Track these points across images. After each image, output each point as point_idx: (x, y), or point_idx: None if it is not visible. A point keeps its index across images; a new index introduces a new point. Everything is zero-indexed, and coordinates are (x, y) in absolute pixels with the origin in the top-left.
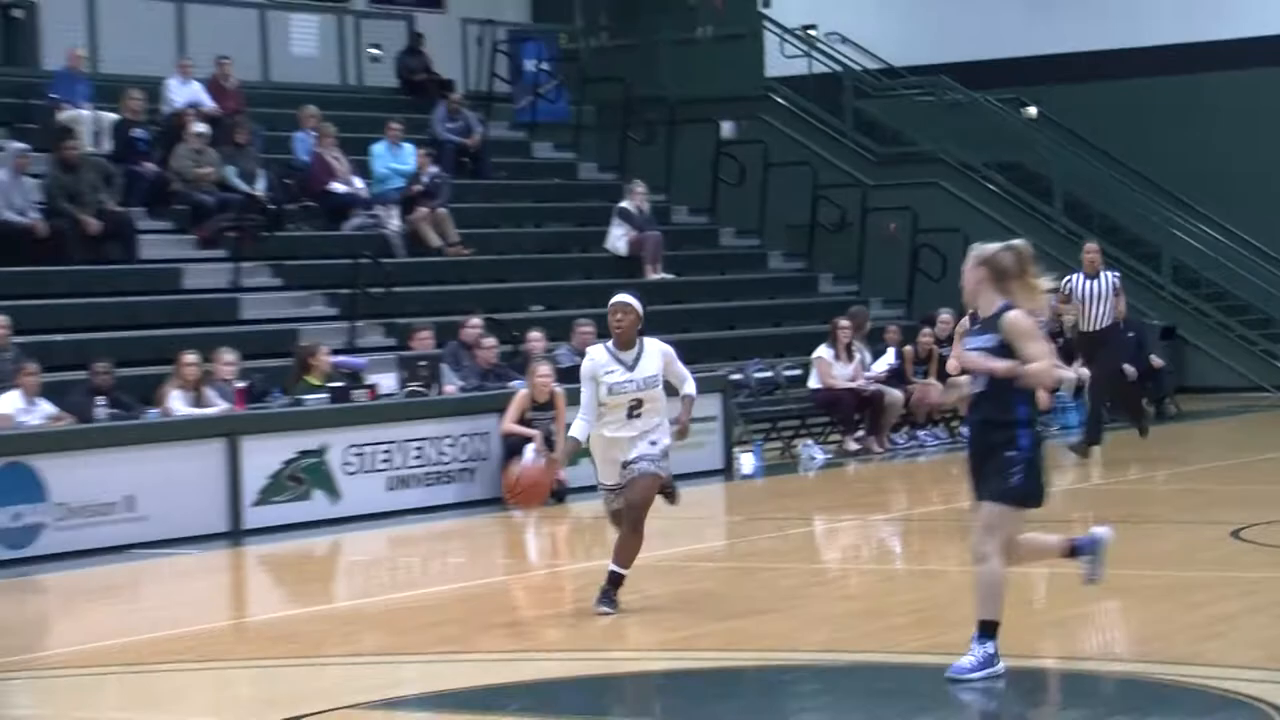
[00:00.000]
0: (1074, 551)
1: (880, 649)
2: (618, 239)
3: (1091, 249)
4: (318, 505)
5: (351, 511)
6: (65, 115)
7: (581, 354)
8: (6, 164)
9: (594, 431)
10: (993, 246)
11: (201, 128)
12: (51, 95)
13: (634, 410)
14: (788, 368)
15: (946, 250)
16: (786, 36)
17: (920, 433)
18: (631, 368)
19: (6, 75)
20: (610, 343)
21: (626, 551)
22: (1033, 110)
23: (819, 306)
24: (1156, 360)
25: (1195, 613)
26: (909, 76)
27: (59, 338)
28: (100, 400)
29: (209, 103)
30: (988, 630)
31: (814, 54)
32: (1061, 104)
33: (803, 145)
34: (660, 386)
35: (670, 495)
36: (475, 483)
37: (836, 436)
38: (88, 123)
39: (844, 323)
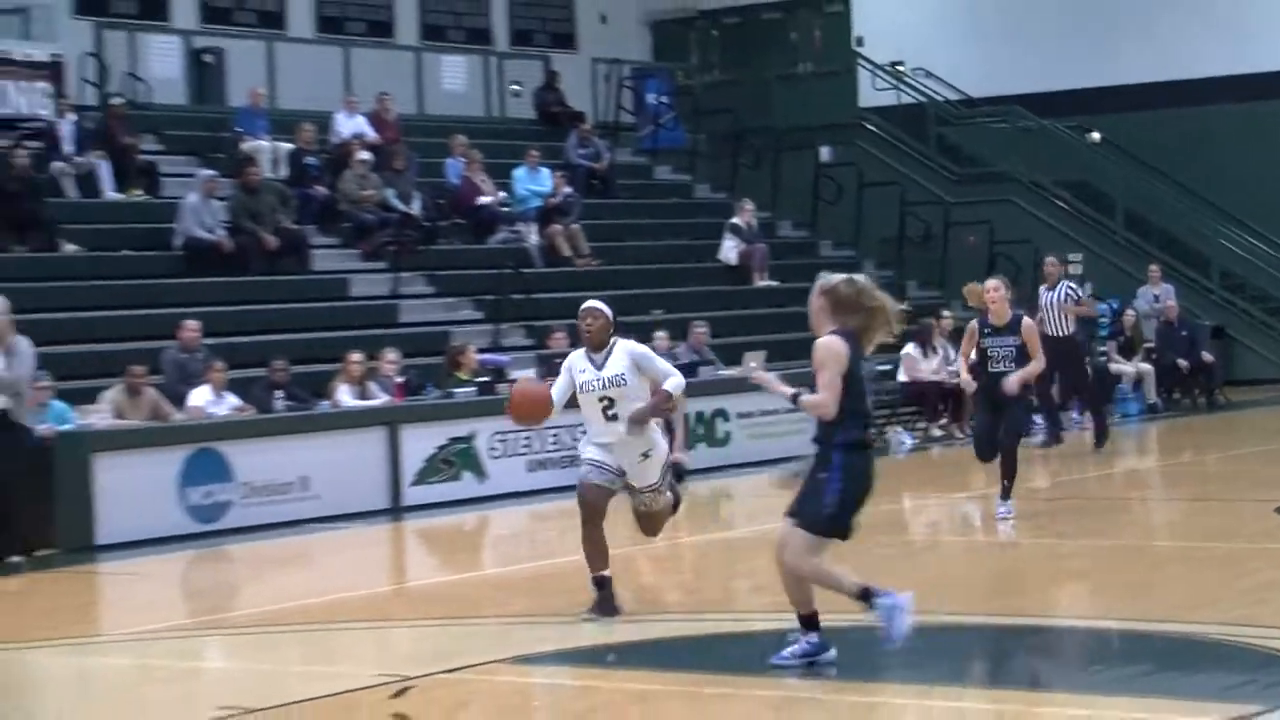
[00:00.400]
0: (866, 596)
1: (964, 611)
2: (729, 250)
3: (1050, 262)
4: (467, 485)
5: (496, 491)
6: (247, 146)
7: (698, 352)
8: (197, 189)
9: (585, 445)
10: (836, 278)
11: (365, 155)
12: (236, 129)
13: (608, 410)
14: (880, 363)
15: (1020, 260)
16: (877, 72)
17: None
18: (599, 367)
19: (198, 111)
20: (584, 349)
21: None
22: (1096, 135)
23: (907, 310)
24: (1207, 356)
25: (1244, 580)
26: (985, 106)
27: (242, 339)
28: (278, 394)
29: (371, 133)
30: (809, 622)
31: (901, 86)
32: (1122, 130)
33: (892, 167)
34: (628, 385)
35: (675, 508)
36: None
37: (923, 424)
38: (266, 152)
39: (931, 322)
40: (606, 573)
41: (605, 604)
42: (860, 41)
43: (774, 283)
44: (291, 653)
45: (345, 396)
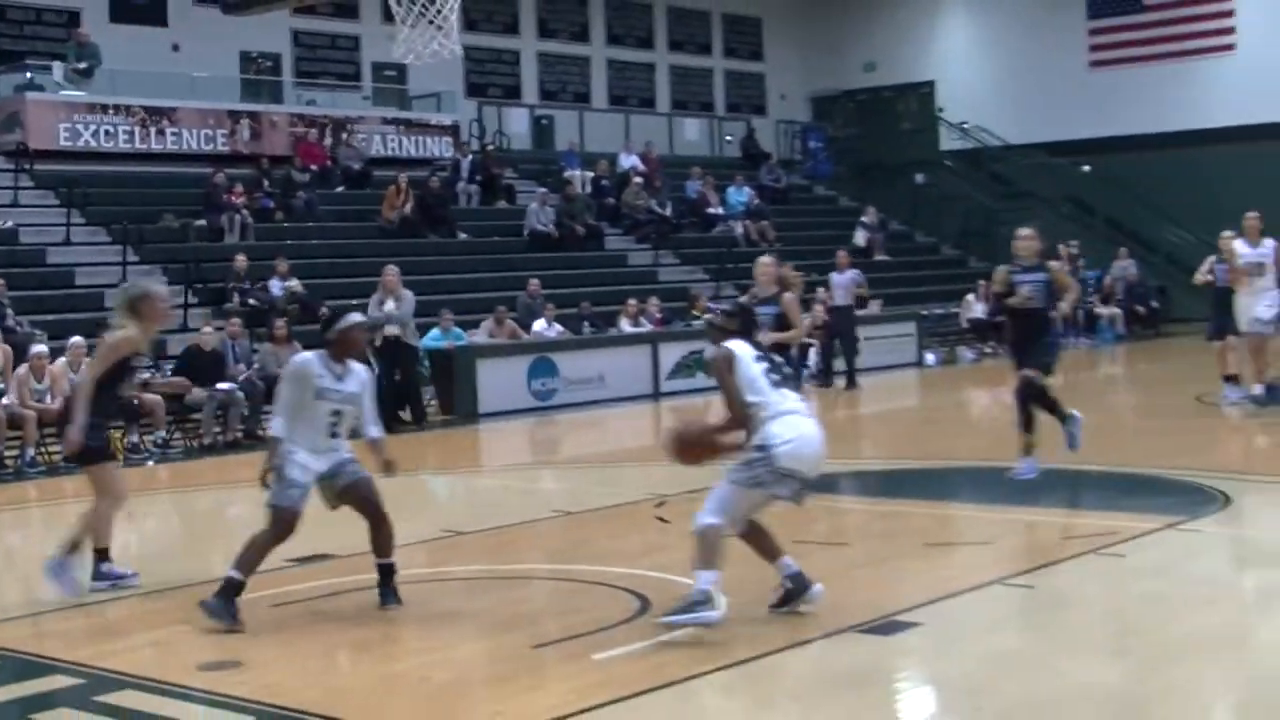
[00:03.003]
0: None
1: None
2: (859, 237)
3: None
4: (699, 380)
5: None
6: (567, 174)
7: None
8: (536, 200)
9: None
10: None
11: (638, 179)
12: (560, 164)
13: (334, 425)
14: (953, 307)
15: (1053, 241)
16: (951, 127)
17: None
18: (340, 379)
19: (537, 153)
20: (325, 355)
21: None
22: (1086, 168)
23: (968, 274)
24: (1154, 304)
25: (1176, 439)
26: (1018, 148)
27: (564, 291)
28: (586, 324)
29: (641, 166)
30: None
31: (966, 137)
32: (1104, 163)
33: (960, 188)
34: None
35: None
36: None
37: (978, 344)
38: (577, 178)
39: (983, 283)
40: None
41: None
42: (941, 109)
43: (887, 257)
44: (592, 479)
45: (626, 325)
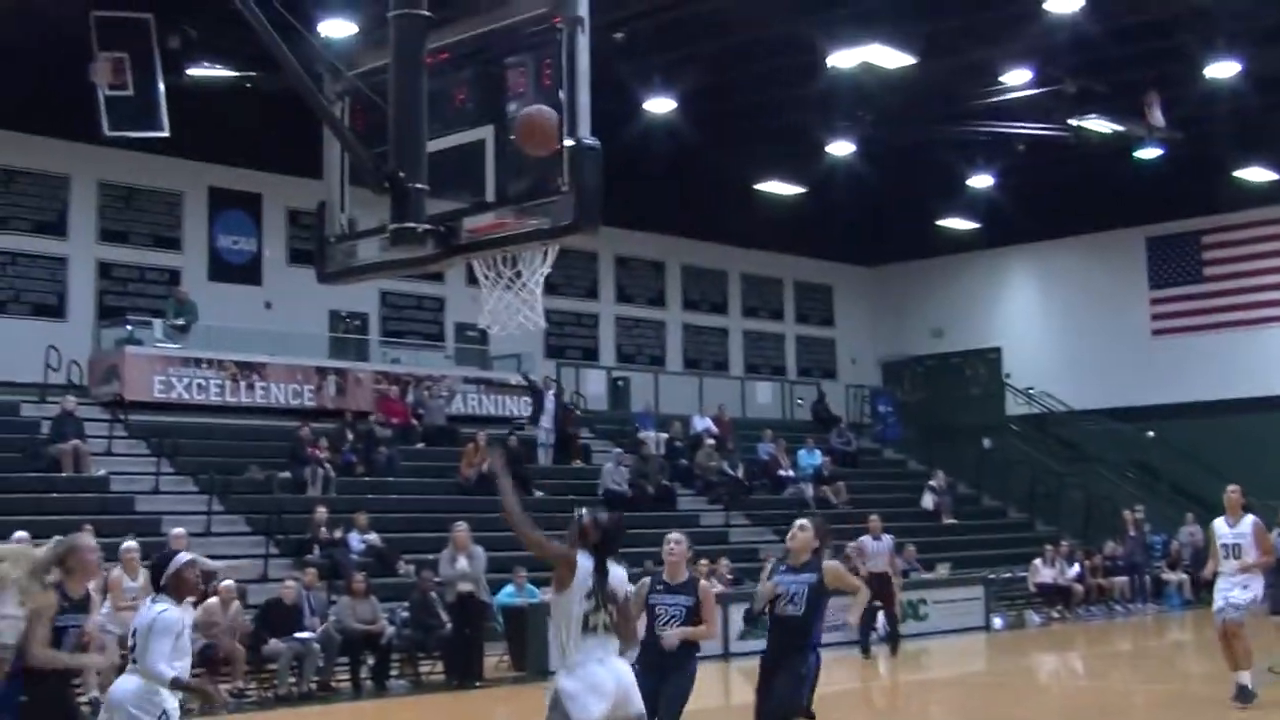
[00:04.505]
0: None
1: None
2: (927, 501)
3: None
4: None
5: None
6: (641, 435)
7: (909, 563)
8: (612, 460)
9: None
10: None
11: (710, 441)
12: (635, 424)
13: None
14: (1020, 571)
15: (1105, 510)
16: (1017, 393)
17: (1092, 607)
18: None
19: (613, 414)
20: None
21: None
22: (1151, 434)
23: (1035, 539)
24: None
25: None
26: (1083, 414)
27: (639, 550)
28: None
29: (714, 428)
30: None
31: (1032, 402)
32: (1167, 428)
33: (1026, 451)
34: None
35: None
36: (852, 632)
37: (1045, 608)
38: (652, 439)
39: (1049, 547)
40: None
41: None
42: (1008, 375)
43: (955, 520)
44: None
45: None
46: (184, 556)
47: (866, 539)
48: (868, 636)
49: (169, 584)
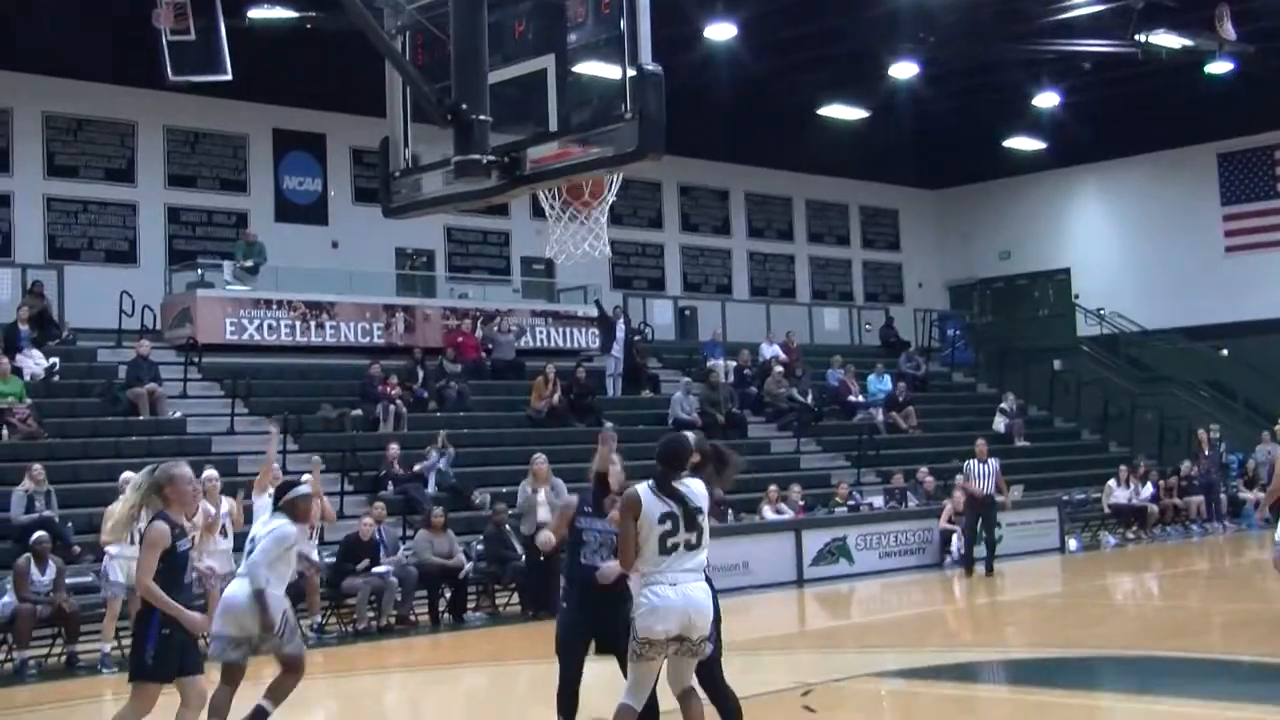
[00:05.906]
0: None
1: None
2: (999, 424)
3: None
4: (843, 567)
5: (861, 570)
6: (710, 364)
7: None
8: (680, 389)
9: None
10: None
11: (779, 369)
12: (703, 353)
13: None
14: (1094, 492)
15: (1179, 430)
16: (1088, 314)
17: (1168, 528)
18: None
19: (682, 343)
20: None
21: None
22: (1225, 352)
23: (1109, 460)
24: None
25: None
26: (1155, 334)
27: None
28: (729, 511)
29: (782, 355)
30: None
31: (1103, 323)
32: (1242, 347)
33: (1098, 373)
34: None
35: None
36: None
37: (1120, 529)
38: (720, 368)
39: (1124, 468)
40: None
41: None
42: (1077, 296)
43: (1026, 443)
44: (737, 666)
45: (769, 513)
46: (305, 488)
47: (972, 462)
48: (971, 555)
49: (286, 506)
